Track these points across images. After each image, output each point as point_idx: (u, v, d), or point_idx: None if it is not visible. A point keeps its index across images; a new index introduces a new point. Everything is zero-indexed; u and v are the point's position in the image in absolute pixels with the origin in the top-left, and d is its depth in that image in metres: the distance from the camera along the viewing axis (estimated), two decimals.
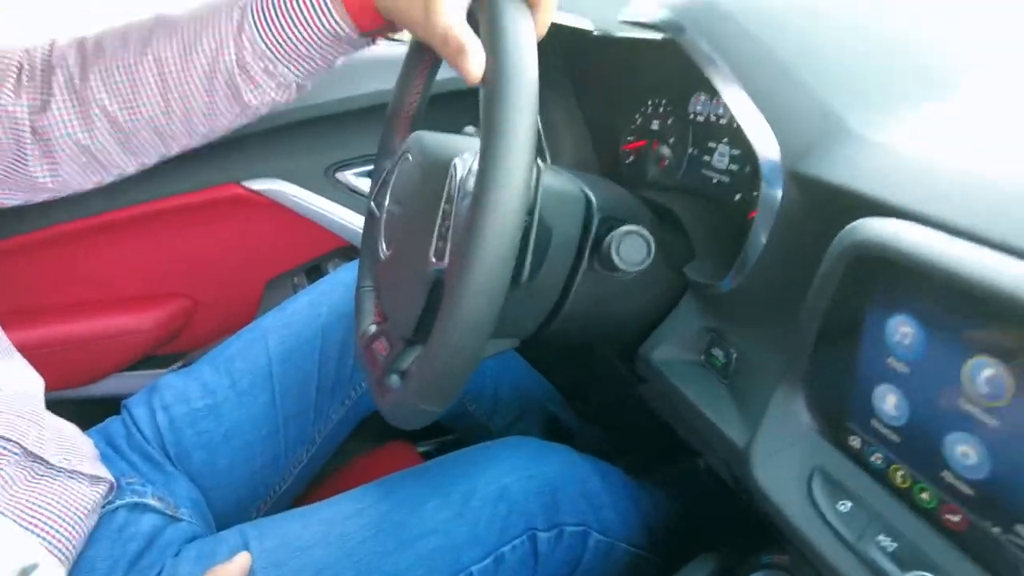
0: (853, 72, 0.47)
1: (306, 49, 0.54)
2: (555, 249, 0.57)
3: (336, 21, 0.52)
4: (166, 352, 1.02)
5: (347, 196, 0.98)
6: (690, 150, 0.73)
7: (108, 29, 0.58)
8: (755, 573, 0.50)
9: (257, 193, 0.93)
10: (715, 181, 0.69)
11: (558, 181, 0.58)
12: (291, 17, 0.53)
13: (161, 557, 0.61)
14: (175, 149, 0.63)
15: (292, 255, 1.00)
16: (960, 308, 0.33)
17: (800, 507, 0.41)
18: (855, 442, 0.41)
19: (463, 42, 0.45)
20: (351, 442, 0.88)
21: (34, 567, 0.53)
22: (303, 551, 0.59)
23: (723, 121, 0.68)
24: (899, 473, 0.38)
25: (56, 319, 0.92)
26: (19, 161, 0.58)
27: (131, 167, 0.63)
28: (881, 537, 0.37)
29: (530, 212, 0.54)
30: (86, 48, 0.57)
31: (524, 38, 0.44)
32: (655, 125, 0.78)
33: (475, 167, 0.52)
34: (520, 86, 0.42)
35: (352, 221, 0.98)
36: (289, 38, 0.54)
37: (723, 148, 0.68)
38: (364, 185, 0.99)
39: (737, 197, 0.65)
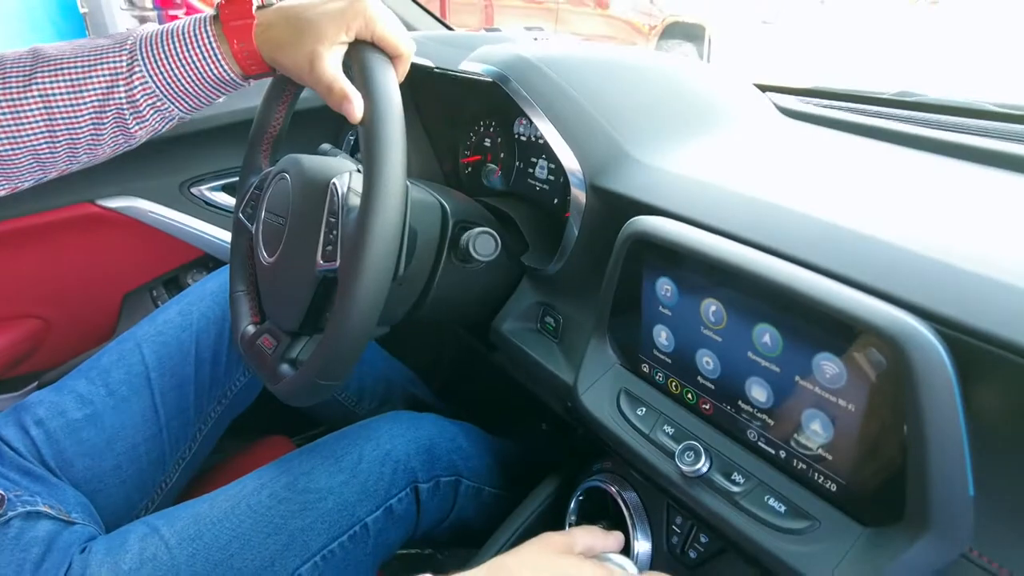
0: (633, 112, 0.66)
1: (194, 90, 0.62)
2: (420, 248, 0.70)
3: (224, 68, 0.61)
4: (14, 375, 1.00)
5: (202, 209, 1.04)
6: (517, 163, 0.90)
7: None
8: (589, 478, 0.67)
9: (112, 211, 0.95)
10: (538, 188, 0.86)
11: (420, 194, 0.71)
12: (182, 63, 0.60)
13: (66, 556, 0.65)
14: (53, 175, 0.66)
15: (150, 268, 1.03)
16: (697, 270, 0.52)
17: (612, 417, 0.58)
18: (645, 368, 0.59)
19: (347, 91, 0.56)
20: (229, 439, 0.94)
21: None
22: (216, 523, 0.67)
23: (541, 141, 0.85)
24: (673, 383, 0.57)
25: None
26: None
27: (3, 191, 0.66)
28: (665, 427, 0.56)
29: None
30: None
31: (391, 86, 0.57)
32: (487, 143, 0.94)
33: (354, 185, 0.64)
34: (392, 125, 0.55)
35: (209, 232, 1.04)
36: (179, 79, 0.61)
37: (542, 163, 0.85)
38: (219, 198, 1.05)
39: (555, 201, 0.83)
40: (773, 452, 0.50)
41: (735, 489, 0.50)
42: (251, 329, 0.76)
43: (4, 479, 0.72)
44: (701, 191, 0.56)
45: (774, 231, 0.48)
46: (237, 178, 0.84)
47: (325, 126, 1.07)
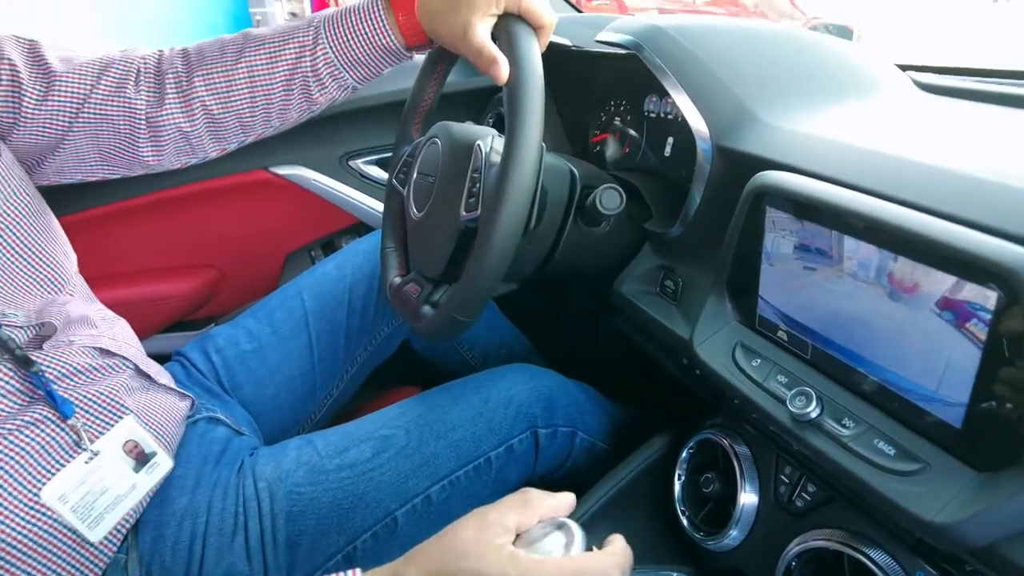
0: (762, 78, 0.69)
1: (366, 59, 0.72)
2: (550, 208, 0.76)
3: (391, 38, 0.71)
4: (197, 317, 1.17)
5: (358, 181, 1.16)
6: (645, 140, 0.94)
7: (205, 42, 0.75)
8: (699, 432, 0.70)
9: (281, 177, 1.10)
10: (665, 162, 0.90)
11: (552, 159, 0.77)
12: (356, 34, 0.71)
13: (238, 456, 0.77)
14: (251, 138, 0.79)
15: (309, 231, 1.17)
16: (817, 220, 0.54)
17: (728, 367, 0.61)
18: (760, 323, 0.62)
19: (495, 56, 0.64)
20: (368, 389, 1.05)
21: (154, 454, 0.69)
22: (360, 442, 0.76)
23: (670, 116, 0.89)
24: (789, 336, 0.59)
25: (106, 286, 1.06)
26: (132, 144, 0.74)
27: (214, 152, 0.79)
28: (779, 376, 0.58)
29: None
30: (190, 56, 0.74)
31: (534, 53, 0.63)
32: (617, 120, 0.99)
33: (495, 146, 0.71)
34: (534, 86, 0.61)
35: (362, 201, 1.16)
36: (354, 51, 0.72)
37: (670, 138, 0.89)
38: (372, 171, 1.17)
39: (683, 173, 0.86)
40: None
41: (845, 433, 0.51)
42: (398, 279, 0.85)
43: (191, 391, 0.86)
44: (821, 147, 0.58)
45: (889, 179, 0.49)
46: (389, 154, 0.94)
47: (469, 107, 1.16)
